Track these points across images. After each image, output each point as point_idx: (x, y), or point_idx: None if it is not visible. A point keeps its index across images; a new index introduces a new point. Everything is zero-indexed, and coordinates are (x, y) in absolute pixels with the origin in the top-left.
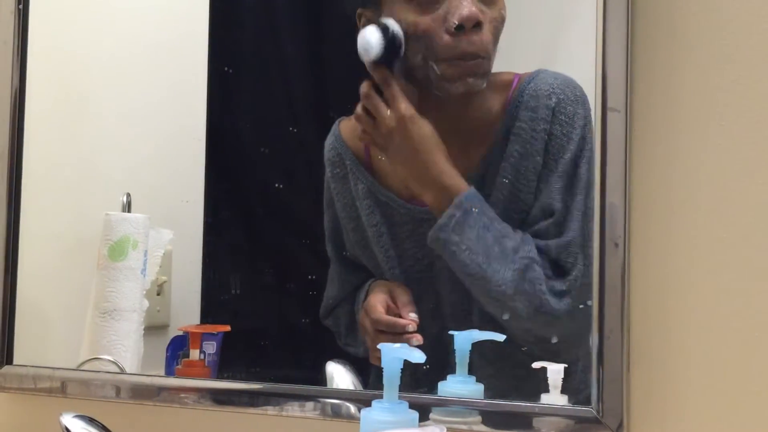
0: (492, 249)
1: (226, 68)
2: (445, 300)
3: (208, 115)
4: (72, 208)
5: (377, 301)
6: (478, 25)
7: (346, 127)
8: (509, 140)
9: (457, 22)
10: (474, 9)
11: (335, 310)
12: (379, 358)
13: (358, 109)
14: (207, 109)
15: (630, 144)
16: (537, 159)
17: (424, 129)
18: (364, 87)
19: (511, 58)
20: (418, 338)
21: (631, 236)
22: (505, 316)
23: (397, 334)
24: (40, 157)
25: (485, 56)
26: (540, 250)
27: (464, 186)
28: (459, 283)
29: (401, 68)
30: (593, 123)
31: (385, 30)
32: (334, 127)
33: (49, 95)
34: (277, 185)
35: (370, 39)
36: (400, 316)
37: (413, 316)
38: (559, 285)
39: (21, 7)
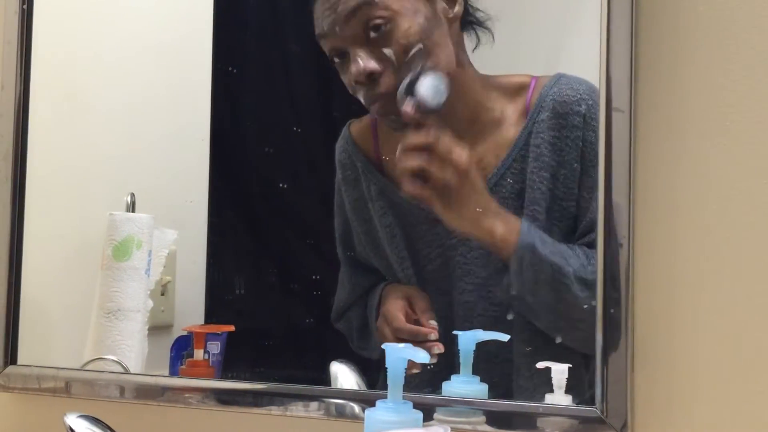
0: (567, 273)
1: (230, 68)
2: (455, 300)
3: (212, 115)
4: (76, 209)
5: (397, 309)
6: (371, 74)
7: (356, 129)
8: (531, 147)
9: (354, 85)
10: (361, 67)
11: (346, 313)
12: None
13: (415, 163)
14: (211, 109)
15: (634, 144)
16: (575, 166)
17: (474, 168)
18: (427, 135)
19: (516, 59)
20: (439, 347)
21: (635, 236)
22: (510, 316)
23: (419, 342)
24: (44, 158)
25: (398, 81)
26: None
27: (514, 219)
28: (471, 284)
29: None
30: (594, 124)
31: (441, 78)
32: (344, 130)
33: (54, 96)
34: (281, 185)
35: (441, 87)
36: (419, 323)
37: (433, 323)
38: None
39: (25, 7)
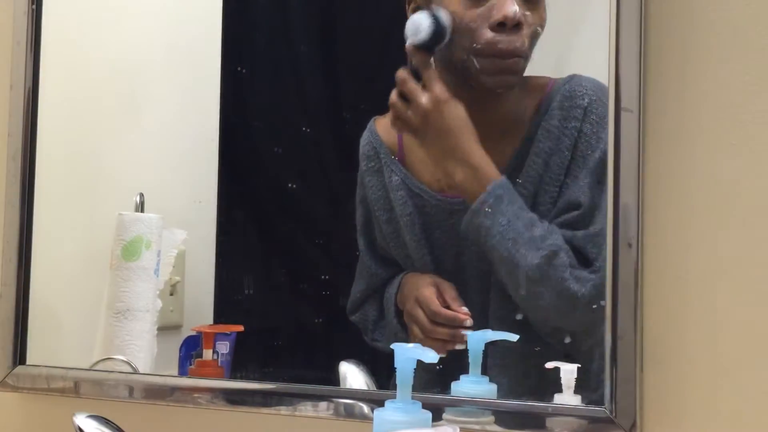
0: (522, 235)
1: (239, 68)
2: (469, 290)
3: (222, 115)
4: (85, 209)
5: (431, 294)
6: (518, 25)
7: (381, 124)
8: (538, 135)
9: (500, 20)
10: (516, 9)
11: (363, 306)
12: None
13: (393, 95)
14: (220, 109)
15: (643, 144)
16: (566, 154)
17: (457, 111)
18: (401, 73)
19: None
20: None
21: (644, 236)
22: (519, 316)
23: (455, 327)
24: (53, 158)
25: (522, 56)
26: (566, 240)
27: (494, 171)
28: (484, 273)
29: (442, 58)
30: (593, 117)
31: (434, 17)
32: (369, 124)
33: (62, 96)
34: (290, 185)
35: (421, 22)
36: (449, 310)
37: (465, 310)
38: (583, 273)
39: (34, 7)
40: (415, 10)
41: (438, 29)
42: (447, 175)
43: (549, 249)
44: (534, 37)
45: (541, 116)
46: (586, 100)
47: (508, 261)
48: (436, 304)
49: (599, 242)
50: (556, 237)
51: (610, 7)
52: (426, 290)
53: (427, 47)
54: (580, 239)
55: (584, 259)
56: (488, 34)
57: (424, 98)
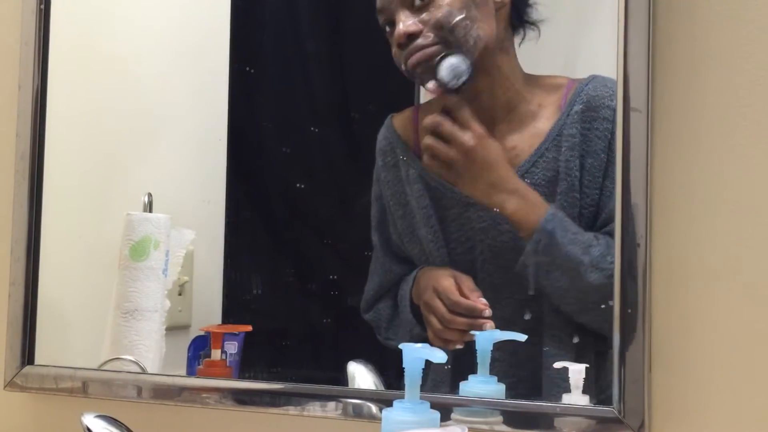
0: (582, 263)
1: (247, 68)
2: (481, 284)
3: (230, 114)
4: (93, 208)
5: (451, 284)
6: (411, 36)
7: (397, 120)
8: (564, 137)
9: (398, 43)
10: (401, 29)
11: (377, 304)
12: (447, 340)
13: (428, 140)
14: (228, 108)
15: (652, 144)
16: (602, 156)
17: (496, 145)
18: (435, 117)
19: (535, 60)
20: (491, 324)
21: (652, 236)
22: (527, 316)
23: (474, 318)
24: (61, 158)
25: (436, 42)
26: None
27: (541, 203)
28: (498, 267)
29: None
30: (615, 123)
31: (470, 62)
32: (387, 121)
33: (70, 96)
34: (298, 185)
35: (462, 67)
36: None
37: (484, 301)
38: None
39: (42, 7)
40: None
41: (471, 73)
42: (498, 207)
43: (610, 267)
44: (444, 27)
45: (565, 116)
46: (615, 101)
47: (573, 289)
48: (455, 294)
49: None
50: (614, 251)
51: (619, 6)
52: (445, 281)
53: (456, 90)
54: None
55: None
56: (400, 55)
57: (466, 137)
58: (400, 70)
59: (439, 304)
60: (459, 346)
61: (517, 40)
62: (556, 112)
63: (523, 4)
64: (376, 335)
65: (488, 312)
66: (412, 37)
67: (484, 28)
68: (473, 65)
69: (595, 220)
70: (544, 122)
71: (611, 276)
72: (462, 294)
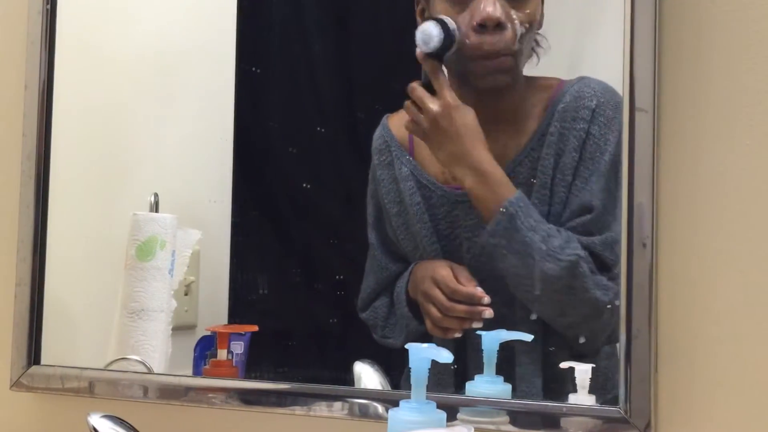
0: (539, 250)
1: (253, 68)
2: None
3: (236, 115)
4: (99, 208)
5: (448, 273)
6: (500, 25)
7: (393, 121)
8: (547, 136)
9: (478, 22)
10: (494, 10)
11: (374, 302)
12: (447, 329)
13: (407, 102)
14: (235, 109)
15: (658, 144)
16: (573, 155)
17: (467, 117)
18: (413, 83)
19: (540, 60)
20: (490, 312)
21: (658, 236)
22: (533, 316)
23: (473, 305)
24: (67, 157)
25: (508, 53)
26: (584, 246)
27: (508, 186)
28: (486, 264)
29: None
30: (621, 123)
31: (444, 25)
32: (382, 121)
33: (77, 95)
34: (305, 185)
35: (431, 31)
36: None
37: (480, 289)
38: (603, 280)
39: (48, 7)
40: (423, 16)
41: (447, 37)
42: (456, 180)
43: (568, 259)
44: (525, 34)
45: (550, 116)
46: (594, 101)
47: (528, 277)
48: (454, 282)
49: (617, 249)
50: (575, 245)
51: (625, 7)
52: (442, 270)
53: (437, 55)
54: (599, 245)
55: (602, 264)
56: (471, 37)
57: (433, 105)
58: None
59: (437, 293)
60: (458, 335)
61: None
62: (543, 112)
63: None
64: (372, 334)
65: (486, 299)
66: (500, 27)
67: (529, 45)
68: (446, 30)
69: (560, 216)
70: (531, 121)
71: (566, 268)
72: (459, 282)
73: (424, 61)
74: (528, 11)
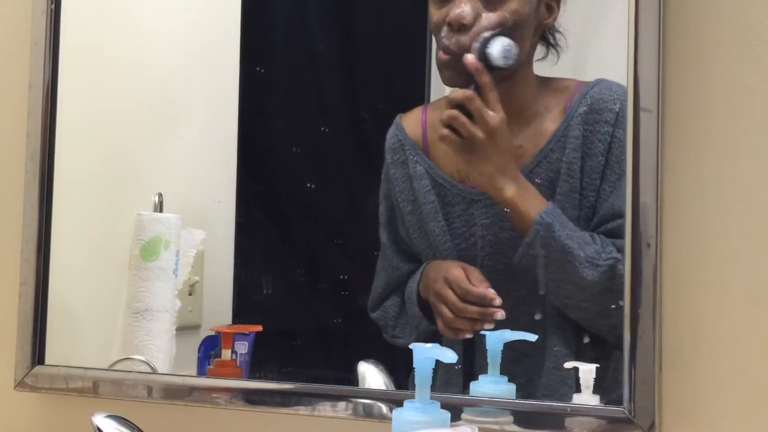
0: (578, 257)
1: (257, 68)
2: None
3: (240, 115)
4: (103, 208)
5: (461, 273)
6: (462, 27)
7: (406, 120)
8: (569, 139)
9: (448, 21)
10: (462, 11)
11: (384, 301)
12: (458, 330)
13: (450, 112)
14: (239, 109)
15: (662, 144)
16: (600, 159)
17: (509, 134)
18: (466, 92)
19: (545, 59)
20: (502, 313)
21: (663, 236)
22: (538, 316)
23: (485, 306)
24: (71, 157)
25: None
26: (618, 249)
27: (540, 198)
28: (497, 263)
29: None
30: (626, 123)
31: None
32: (395, 120)
33: (81, 95)
34: (309, 185)
35: (512, 50)
36: None
37: (492, 291)
38: None
39: (53, 7)
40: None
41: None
42: (497, 191)
43: (607, 264)
44: (501, 24)
45: (570, 118)
46: (618, 105)
47: (570, 283)
48: (466, 283)
49: None
50: (610, 249)
51: (629, 7)
52: (455, 270)
53: (496, 68)
54: None
55: None
56: (443, 32)
57: (492, 118)
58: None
59: (450, 293)
60: (468, 336)
61: (540, 52)
62: (561, 114)
63: (553, 29)
64: (383, 334)
65: (498, 301)
66: (464, 26)
67: (526, 46)
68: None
69: (589, 220)
70: (549, 123)
71: (605, 273)
72: (472, 284)
73: (485, 73)
74: (506, 11)
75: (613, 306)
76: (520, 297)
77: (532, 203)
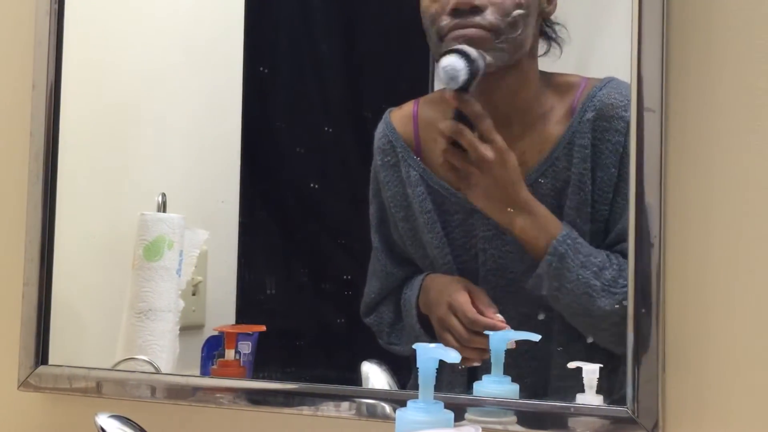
0: (593, 286)
1: (261, 68)
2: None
3: (244, 115)
4: (107, 208)
5: (466, 300)
6: (474, 9)
7: (396, 116)
8: (576, 147)
9: (453, 6)
10: None
11: (378, 307)
12: (464, 359)
13: (444, 144)
14: (242, 109)
15: (666, 144)
16: (612, 171)
17: (514, 160)
18: (452, 125)
19: (548, 59)
20: (512, 343)
21: (666, 236)
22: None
23: None
24: (75, 158)
25: (489, 29)
26: None
27: (555, 223)
28: (501, 278)
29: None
30: (629, 123)
31: (465, 55)
32: (384, 116)
33: (84, 95)
34: (312, 185)
35: (456, 65)
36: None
37: (500, 317)
38: None
39: (56, 7)
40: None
41: (472, 67)
42: (503, 224)
43: (623, 291)
44: (504, 14)
45: (577, 123)
46: (629, 111)
47: (585, 313)
48: (473, 312)
49: None
50: (626, 273)
51: (633, 6)
52: (460, 296)
53: (464, 89)
54: None
55: None
56: (446, 20)
57: (488, 152)
58: (428, 26)
59: (455, 322)
60: (476, 364)
61: (541, 48)
62: (567, 116)
63: (552, 22)
64: (378, 340)
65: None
66: (475, 10)
67: (529, 33)
68: (469, 62)
69: (604, 235)
70: (554, 126)
71: (623, 300)
72: (478, 310)
73: (458, 100)
74: None
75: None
76: (525, 313)
77: (543, 231)
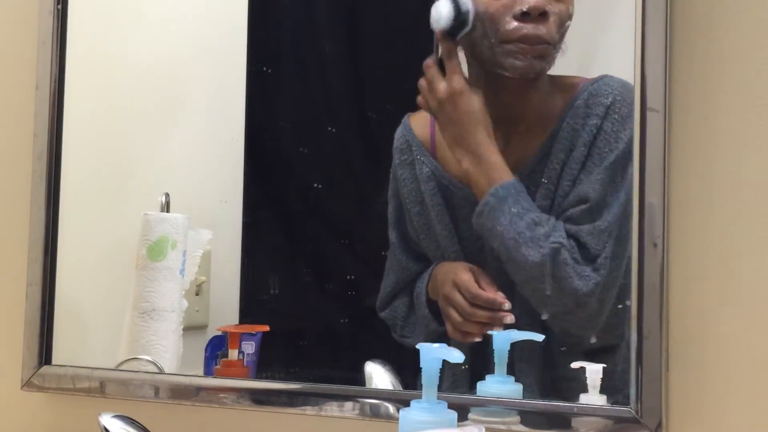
0: (522, 234)
1: (264, 68)
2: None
3: (247, 115)
4: (110, 208)
5: (470, 277)
6: (543, 14)
7: (414, 120)
8: (562, 132)
9: (524, 9)
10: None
11: (393, 301)
12: (467, 333)
13: (422, 79)
14: (245, 109)
15: (669, 144)
16: (582, 150)
17: (472, 103)
18: (429, 60)
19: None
20: (511, 317)
21: (669, 236)
22: (544, 316)
23: (494, 310)
24: (78, 157)
25: (549, 42)
26: (570, 235)
27: (503, 169)
28: (504, 273)
29: (469, 47)
30: (615, 116)
31: (455, 3)
32: (404, 120)
33: (88, 95)
34: (316, 185)
35: (441, 10)
36: None
37: (502, 294)
38: (586, 270)
39: (60, 7)
40: None
41: (458, 16)
42: (456, 162)
43: (550, 246)
44: (560, 26)
45: (567, 114)
46: (610, 98)
47: (510, 260)
48: (475, 287)
49: (604, 238)
50: (559, 234)
51: (636, 6)
52: (464, 274)
53: (449, 34)
54: (585, 234)
55: (588, 254)
56: (513, 24)
57: (441, 87)
58: (486, 26)
59: (459, 297)
60: (477, 339)
61: None
62: (563, 111)
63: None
64: (392, 333)
65: (507, 305)
66: (544, 15)
67: (558, 45)
68: (457, 8)
69: (558, 208)
70: (553, 121)
71: (546, 256)
72: (480, 287)
73: (441, 40)
74: (567, 4)
75: (554, 293)
76: (529, 311)
77: (487, 176)
